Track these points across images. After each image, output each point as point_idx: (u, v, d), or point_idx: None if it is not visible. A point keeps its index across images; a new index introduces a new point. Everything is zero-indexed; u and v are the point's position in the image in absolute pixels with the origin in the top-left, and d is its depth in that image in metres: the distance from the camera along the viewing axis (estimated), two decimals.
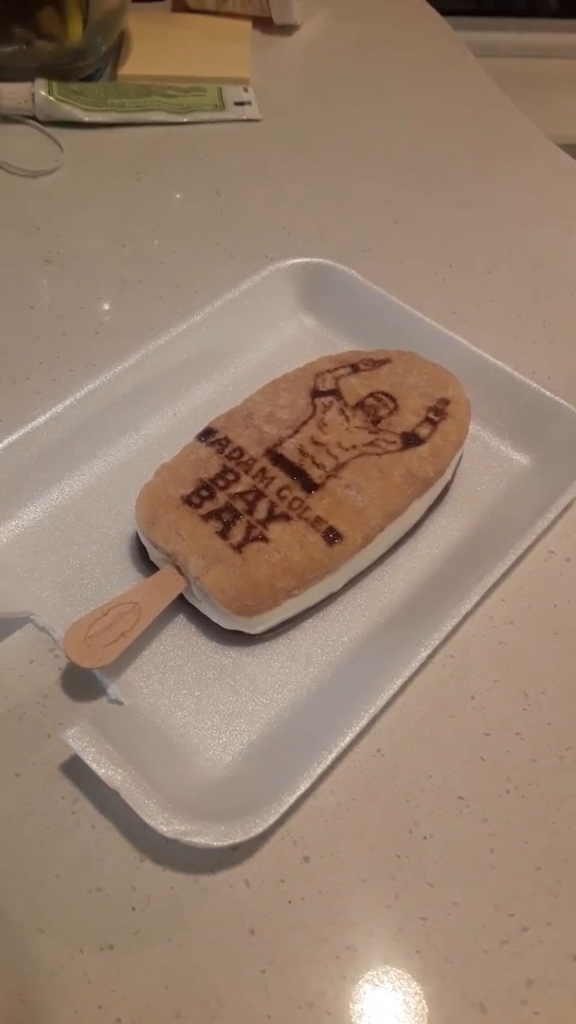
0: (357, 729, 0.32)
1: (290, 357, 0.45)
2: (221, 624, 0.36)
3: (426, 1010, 0.29)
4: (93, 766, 0.31)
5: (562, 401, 0.42)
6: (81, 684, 0.36)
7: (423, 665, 0.35)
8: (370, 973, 0.30)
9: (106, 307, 0.50)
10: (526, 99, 0.70)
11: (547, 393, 0.42)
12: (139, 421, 0.44)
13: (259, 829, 0.30)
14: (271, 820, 0.30)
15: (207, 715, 0.35)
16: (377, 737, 0.34)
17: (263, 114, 0.64)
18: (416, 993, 0.30)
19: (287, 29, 0.72)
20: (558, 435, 0.42)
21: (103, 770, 0.30)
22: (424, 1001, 0.29)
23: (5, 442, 0.39)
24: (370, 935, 0.30)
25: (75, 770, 0.33)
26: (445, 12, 0.78)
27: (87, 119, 0.61)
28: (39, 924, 0.31)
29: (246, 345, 0.47)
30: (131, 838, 0.32)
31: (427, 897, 0.31)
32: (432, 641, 0.34)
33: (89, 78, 0.65)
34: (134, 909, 0.31)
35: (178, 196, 0.57)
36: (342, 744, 0.32)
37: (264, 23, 0.72)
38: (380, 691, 0.33)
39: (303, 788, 0.30)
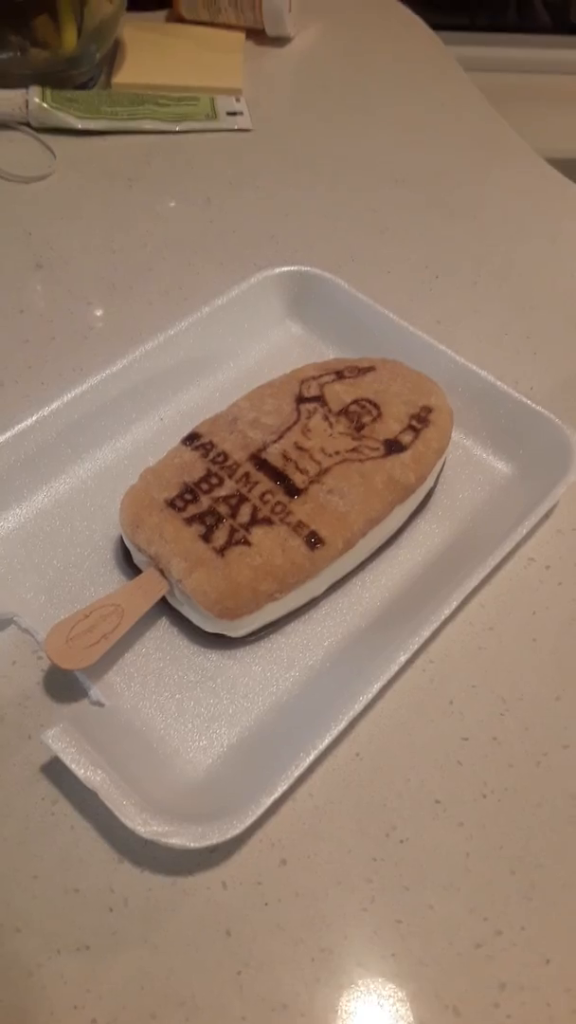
0: (336, 732, 0.32)
1: (277, 364, 0.45)
2: (203, 627, 0.37)
3: (400, 1012, 0.29)
4: (72, 767, 0.31)
5: (544, 411, 0.42)
6: (63, 686, 0.36)
7: (403, 669, 0.36)
8: (345, 976, 0.30)
9: (96, 312, 0.50)
10: (516, 114, 0.71)
11: (529, 403, 0.43)
12: (126, 426, 0.44)
13: (236, 831, 0.30)
14: (248, 822, 0.30)
15: (188, 718, 0.35)
16: (356, 741, 0.35)
17: (255, 124, 0.64)
18: (391, 996, 0.30)
19: (280, 40, 0.73)
20: (539, 444, 0.42)
21: (82, 771, 0.31)
22: (398, 1004, 0.30)
23: None
24: (345, 937, 0.31)
25: (55, 772, 0.34)
26: (438, 27, 0.79)
27: (80, 126, 0.62)
28: (16, 924, 0.31)
29: (233, 351, 0.47)
30: (110, 840, 0.32)
31: (403, 900, 0.31)
32: (411, 645, 0.35)
33: (83, 86, 0.66)
34: (111, 910, 0.31)
35: (170, 204, 0.58)
36: (320, 747, 0.32)
37: (257, 34, 0.72)
38: (359, 695, 0.33)
39: (281, 790, 0.31)
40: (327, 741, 0.32)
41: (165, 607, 0.38)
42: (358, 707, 0.33)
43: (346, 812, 0.33)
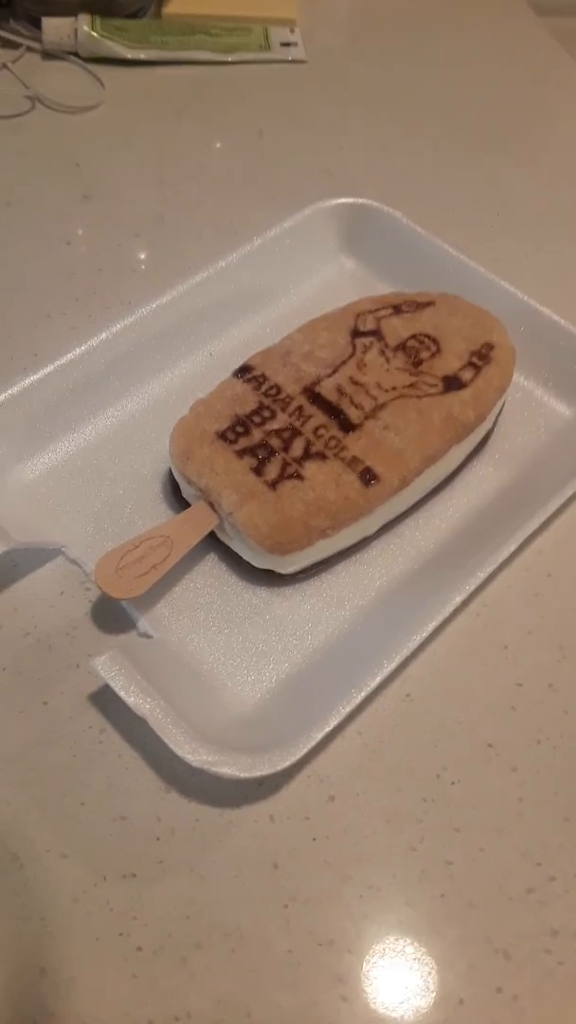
0: (388, 670, 0.31)
1: (330, 300, 0.43)
2: (253, 563, 0.36)
3: (449, 954, 0.29)
4: (122, 694, 0.30)
5: None
6: (111, 617, 0.35)
7: (456, 613, 0.35)
8: (393, 914, 0.30)
9: (144, 245, 0.49)
10: None
11: None
12: (175, 360, 0.43)
13: (286, 763, 0.29)
14: (299, 754, 0.29)
15: (236, 653, 0.35)
16: (407, 682, 0.34)
17: (309, 56, 0.62)
18: (440, 936, 0.29)
19: None
20: None
21: (131, 698, 0.30)
22: (448, 945, 0.29)
23: (40, 374, 0.39)
24: (394, 876, 0.30)
25: (103, 700, 0.33)
26: None
27: (130, 56, 0.60)
28: (63, 850, 0.31)
29: (285, 286, 0.46)
30: (157, 769, 0.32)
31: (453, 842, 0.31)
32: (468, 587, 0.33)
33: (133, 15, 0.63)
34: (158, 839, 0.31)
35: (221, 136, 0.56)
36: (372, 684, 0.31)
37: None
38: (412, 634, 0.32)
39: (332, 725, 0.30)
40: (379, 679, 0.31)
41: (214, 542, 0.37)
42: (411, 646, 0.32)
43: (396, 752, 0.32)
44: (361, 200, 0.46)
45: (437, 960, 0.29)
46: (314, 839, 0.31)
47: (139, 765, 0.32)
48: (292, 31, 0.63)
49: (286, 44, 0.62)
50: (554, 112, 0.60)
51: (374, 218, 0.46)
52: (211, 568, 0.37)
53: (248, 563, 0.36)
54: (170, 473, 0.39)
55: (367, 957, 0.29)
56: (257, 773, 0.29)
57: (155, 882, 0.30)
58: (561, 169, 0.56)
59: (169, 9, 0.64)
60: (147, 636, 0.35)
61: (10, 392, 0.38)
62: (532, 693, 0.34)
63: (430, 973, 0.29)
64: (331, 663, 0.34)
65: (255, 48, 0.62)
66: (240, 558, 0.36)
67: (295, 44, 0.62)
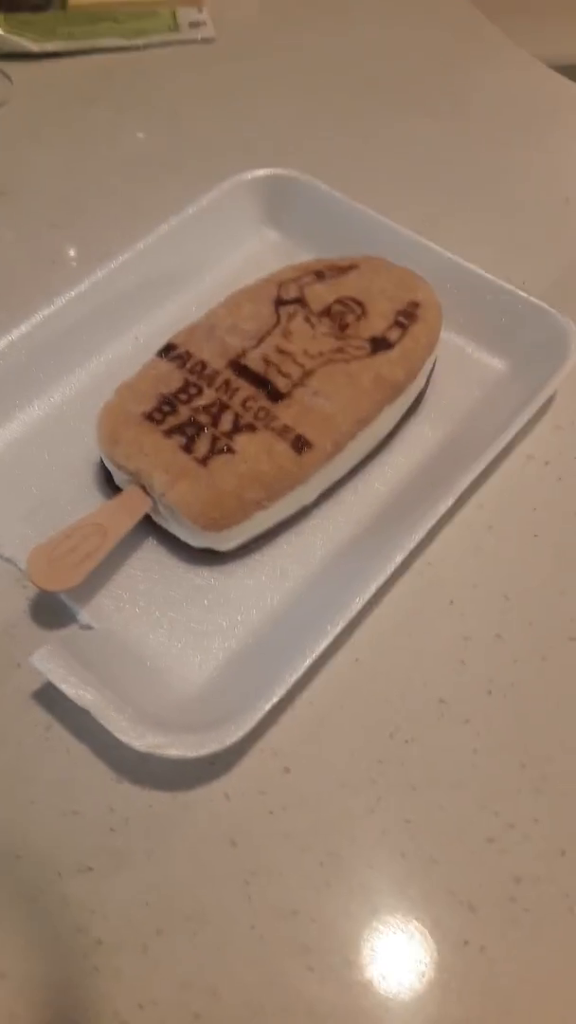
0: (333, 634, 0.31)
1: (254, 272, 0.43)
2: (191, 543, 0.35)
3: (414, 912, 0.29)
4: (62, 686, 0.30)
5: (538, 301, 0.40)
6: (49, 612, 0.35)
7: (400, 573, 0.35)
8: (355, 878, 0.29)
9: (62, 236, 0.48)
10: (501, 21, 0.67)
11: (522, 294, 0.41)
12: (99, 346, 0.42)
13: (235, 737, 0.29)
14: (247, 728, 0.29)
15: (180, 635, 0.34)
16: (355, 647, 0.34)
17: (220, 34, 0.61)
18: (403, 895, 0.29)
19: None
20: (534, 336, 0.40)
21: (72, 689, 0.30)
22: (411, 902, 0.29)
23: None
24: (353, 840, 0.30)
25: (47, 697, 0.33)
26: None
27: (37, 49, 0.59)
28: (16, 851, 0.30)
29: (208, 263, 0.45)
30: (107, 760, 0.31)
31: (410, 800, 0.30)
32: (408, 544, 0.33)
33: (38, 8, 0.62)
34: (112, 830, 0.30)
35: (134, 121, 0.55)
36: (317, 650, 0.31)
37: None
38: (355, 597, 0.32)
39: (279, 695, 0.30)
40: (324, 644, 0.31)
41: (151, 526, 0.36)
42: (355, 608, 0.31)
43: (348, 717, 0.32)
44: (279, 170, 0.46)
45: (402, 919, 0.28)
46: (271, 812, 0.30)
47: (88, 758, 0.31)
48: (200, 11, 0.62)
49: (195, 24, 0.61)
50: (471, 73, 0.60)
51: (294, 187, 0.46)
52: (149, 553, 0.36)
53: (187, 544, 0.36)
54: (101, 462, 0.38)
55: (331, 924, 0.28)
56: (205, 751, 0.29)
57: (112, 873, 0.29)
58: (480, 129, 0.55)
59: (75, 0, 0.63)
60: (88, 627, 0.34)
61: None
62: (480, 645, 0.34)
63: (395, 933, 0.28)
64: (278, 636, 0.34)
65: (164, 30, 0.61)
66: (178, 540, 0.36)
67: (204, 23, 0.61)
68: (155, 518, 0.36)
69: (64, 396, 0.41)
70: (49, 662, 0.30)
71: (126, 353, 0.42)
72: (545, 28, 0.80)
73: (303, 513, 0.37)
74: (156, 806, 0.31)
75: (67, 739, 0.32)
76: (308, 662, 0.30)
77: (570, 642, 0.34)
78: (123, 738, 0.29)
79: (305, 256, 0.46)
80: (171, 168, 0.52)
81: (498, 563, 0.36)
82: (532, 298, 0.41)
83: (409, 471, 0.39)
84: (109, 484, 0.38)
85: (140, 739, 0.29)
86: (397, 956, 0.28)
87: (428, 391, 0.41)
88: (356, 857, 0.29)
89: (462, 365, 0.42)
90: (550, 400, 0.40)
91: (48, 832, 0.30)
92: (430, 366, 0.40)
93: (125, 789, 0.31)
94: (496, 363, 0.42)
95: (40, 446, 0.39)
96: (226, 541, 0.35)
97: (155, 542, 0.37)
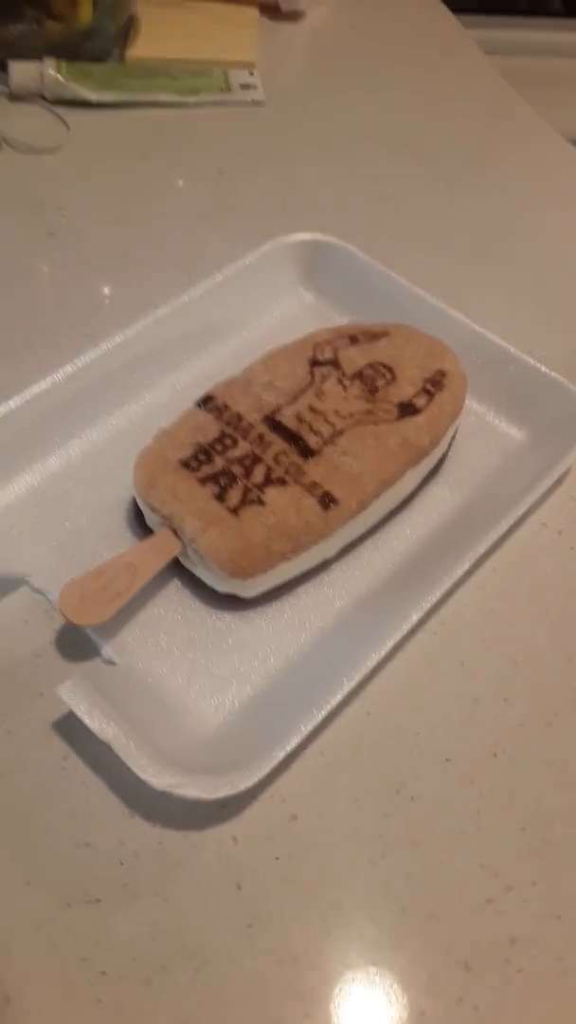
0: (348, 688, 0.32)
1: (290, 332, 0.45)
2: (215, 587, 0.37)
3: (411, 966, 0.29)
4: (86, 719, 0.31)
5: (558, 376, 0.42)
6: (75, 645, 0.36)
7: (414, 631, 0.36)
8: (355, 929, 0.30)
9: (107, 281, 0.50)
10: (530, 96, 0.70)
11: (543, 368, 0.43)
12: (138, 391, 0.44)
13: (249, 783, 0.30)
14: (261, 774, 0.30)
15: (199, 676, 0.35)
16: (367, 700, 0.35)
17: (268, 97, 0.64)
18: (401, 949, 0.30)
19: (293, 16, 0.72)
20: (553, 410, 0.42)
21: (95, 723, 0.31)
22: (409, 957, 0.30)
23: (4, 408, 0.40)
24: (356, 891, 0.31)
25: (67, 728, 0.34)
26: (451, 8, 0.79)
27: (94, 99, 0.62)
28: (27, 877, 0.31)
29: (246, 319, 0.47)
30: (121, 794, 0.32)
31: (413, 855, 0.31)
32: (424, 605, 0.34)
33: (98, 59, 0.65)
34: (122, 864, 0.31)
35: (182, 175, 0.58)
36: (332, 702, 0.32)
37: (271, 10, 0.72)
38: (371, 652, 0.33)
39: (293, 744, 0.31)
40: (339, 697, 0.32)
41: (178, 568, 0.38)
42: (370, 663, 0.33)
43: (356, 769, 0.33)
44: (317, 235, 0.48)
45: (399, 973, 0.29)
46: (277, 858, 0.31)
47: (103, 791, 0.32)
48: (251, 73, 0.65)
49: (246, 86, 0.64)
50: (500, 147, 0.63)
51: (330, 252, 0.48)
52: (174, 593, 0.38)
53: (210, 587, 0.37)
54: (134, 502, 0.39)
55: (330, 973, 0.29)
56: (220, 794, 0.30)
57: (119, 906, 0.30)
58: (508, 203, 0.58)
59: (133, 53, 0.66)
60: (111, 662, 0.35)
61: None
62: (488, 707, 0.35)
63: (392, 986, 0.29)
64: (293, 684, 0.35)
65: (216, 90, 0.64)
66: (202, 583, 0.37)
67: (254, 86, 0.64)
68: (183, 561, 0.37)
69: (101, 436, 0.42)
70: (75, 695, 0.31)
71: (163, 399, 0.44)
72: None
73: (323, 565, 0.38)
74: (166, 843, 0.31)
75: (83, 771, 0.33)
76: (323, 714, 0.31)
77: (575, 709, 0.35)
78: (142, 775, 0.30)
79: (338, 317, 0.48)
80: (214, 223, 0.54)
81: (509, 627, 0.37)
82: (552, 373, 0.43)
83: (427, 531, 0.40)
84: (139, 524, 0.39)
85: (158, 777, 0.30)
86: (392, 1010, 0.29)
87: (449, 455, 0.42)
88: (358, 908, 0.30)
89: (483, 431, 0.44)
90: (566, 472, 0.42)
91: (59, 861, 0.31)
92: (453, 432, 0.41)
93: (137, 824, 0.32)
94: (515, 432, 0.44)
95: (76, 482, 0.41)
96: (250, 588, 0.36)
97: (180, 583, 0.38)
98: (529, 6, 1.15)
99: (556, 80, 1.09)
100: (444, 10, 0.78)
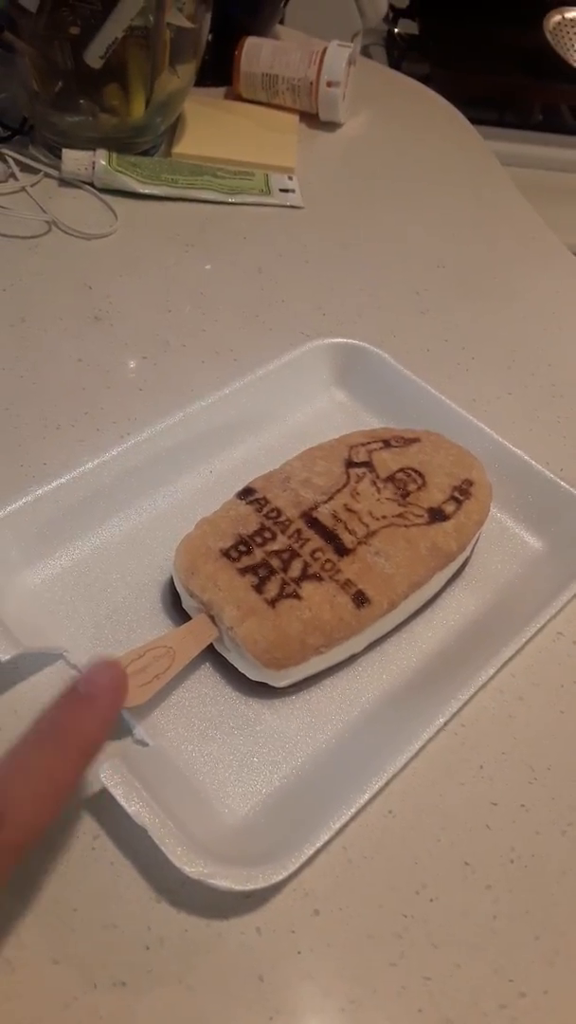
0: (376, 787, 0.33)
1: (321, 428, 0.48)
2: (248, 675, 0.38)
3: None
4: (123, 803, 0.32)
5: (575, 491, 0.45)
6: None
7: (436, 731, 0.37)
8: None
9: (149, 366, 0.53)
10: (542, 207, 0.75)
11: (562, 484, 0.45)
12: (177, 476, 0.46)
13: (280, 876, 0.31)
14: (292, 868, 0.31)
15: (227, 763, 0.36)
16: (389, 798, 0.36)
17: (305, 202, 0.68)
18: None
19: (331, 125, 0.78)
20: (571, 524, 0.45)
21: (133, 807, 0.32)
22: None
23: (53, 485, 0.41)
24: (375, 991, 0.31)
25: (97, 806, 0.35)
26: (472, 121, 0.85)
27: (142, 190, 0.65)
28: (55, 955, 0.31)
29: (281, 413, 0.50)
30: (148, 878, 0.33)
31: (431, 957, 0.32)
32: (449, 709, 0.36)
33: (146, 152, 0.70)
34: (148, 948, 0.32)
35: (222, 270, 0.61)
36: (361, 801, 0.33)
37: (310, 118, 0.77)
38: (398, 753, 0.34)
39: (323, 840, 0.32)
40: (367, 796, 0.33)
41: (210, 653, 0.39)
42: (397, 765, 0.34)
43: (378, 867, 0.34)
44: (352, 341, 0.51)
45: None
46: (299, 952, 0.32)
47: (131, 873, 0.33)
48: (290, 178, 0.70)
49: (285, 190, 0.68)
50: (523, 263, 0.67)
51: (363, 357, 0.51)
52: (206, 678, 0.39)
53: (242, 674, 0.38)
54: (170, 584, 0.41)
55: None
56: (251, 886, 0.31)
57: (144, 991, 0.31)
58: (529, 317, 0.62)
59: (179, 149, 0.71)
60: (143, 743, 0.36)
61: (25, 500, 0.41)
62: (506, 813, 0.36)
63: None
64: (319, 778, 0.36)
65: (256, 192, 0.68)
66: (235, 669, 0.39)
67: (293, 191, 0.68)
68: (217, 647, 0.39)
69: (140, 517, 0.44)
70: (114, 777, 0.32)
71: (200, 485, 0.46)
72: None
73: (351, 659, 0.40)
74: (191, 931, 0.32)
75: (112, 851, 0.34)
76: (351, 812, 0.33)
77: None
78: (176, 863, 0.31)
79: (368, 418, 0.51)
80: (250, 319, 0.57)
81: (526, 734, 0.39)
82: (571, 488, 0.45)
83: (448, 632, 0.42)
84: (175, 607, 0.41)
85: (191, 865, 0.31)
86: None
87: (471, 560, 0.44)
88: (376, 1008, 0.31)
89: (503, 539, 0.46)
90: None
91: (87, 941, 0.32)
92: (476, 539, 0.44)
93: (163, 910, 0.32)
94: (535, 542, 0.46)
95: (114, 562, 0.42)
96: (282, 679, 0.38)
97: (212, 668, 0.39)
98: (542, 122, 1.23)
99: (566, 192, 1.16)
100: (468, 126, 0.84)
